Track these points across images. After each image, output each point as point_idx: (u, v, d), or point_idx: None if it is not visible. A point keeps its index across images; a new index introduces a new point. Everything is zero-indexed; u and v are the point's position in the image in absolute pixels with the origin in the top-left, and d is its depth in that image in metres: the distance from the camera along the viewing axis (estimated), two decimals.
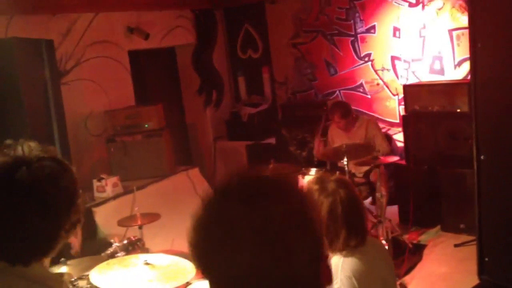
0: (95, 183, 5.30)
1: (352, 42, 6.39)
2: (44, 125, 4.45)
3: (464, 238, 4.59)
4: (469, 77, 5.37)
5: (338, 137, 5.24)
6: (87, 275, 3.20)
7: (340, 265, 2.01)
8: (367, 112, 6.32)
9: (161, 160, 5.89)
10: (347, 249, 2.05)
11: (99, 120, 5.87)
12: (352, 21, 6.34)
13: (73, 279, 3.01)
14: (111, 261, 3.01)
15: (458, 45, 5.56)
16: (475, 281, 3.56)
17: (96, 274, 2.76)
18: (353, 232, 2.03)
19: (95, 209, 5.08)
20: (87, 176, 5.38)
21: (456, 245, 4.55)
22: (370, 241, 2.22)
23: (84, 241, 4.63)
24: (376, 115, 6.26)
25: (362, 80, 6.39)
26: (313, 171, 4.49)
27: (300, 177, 4.48)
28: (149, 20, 6.42)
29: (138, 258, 2.83)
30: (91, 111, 5.80)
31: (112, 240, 3.82)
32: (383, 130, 5.79)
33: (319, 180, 2.15)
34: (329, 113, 5.42)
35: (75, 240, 4.21)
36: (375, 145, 5.02)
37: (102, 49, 5.91)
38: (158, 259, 2.85)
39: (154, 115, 5.86)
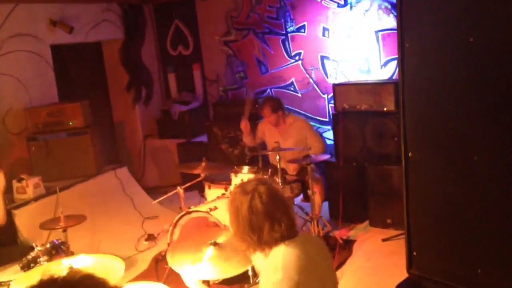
0: (15, 184, 5.04)
1: (283, 41, 6.44)
2: None
3: (391, 232, 4.76)
4: (394, 77, 5.60)
5: (269, 133, 5.25)
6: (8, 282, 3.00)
7: (281, 255, 2.00)
8: (298, 110, 6.40)
9: (87, 160, 5.67)
10: (278, 241, 2.05)
11: (18, 117, 5.55)
12: (282, 20, 6.38)
13: None
14: (30, 272, 2.83)
15: (384, 45, 5.75)
16: (403, 275, 3.67)
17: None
18: (276, 224, 2.05)
19: (15, 212, 4.81)
20: (6, 177, 5.06)
21: (384, 240, 4.69)
22: (309, 238, 2.22)
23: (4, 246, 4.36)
24: (307, 114, 6.35)
25: (292, 79, 6.46)
26: (245, 169, 4.43)
27: (232, 175, 4.43)
28: (73, 13, 6.13)
29: (62, 264, 2.67)
30: (10, 108, 5.47)
31: (34, 244, 3.61)
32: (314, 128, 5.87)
33: (240, 185, 2.21)
34: (260, 108, 5.40)
35: None
36: (307, 144, 5.06)
37: (22, 43, 5.59)
38: (82, 261, 2.71)
39: (78, 112, 5.62)
